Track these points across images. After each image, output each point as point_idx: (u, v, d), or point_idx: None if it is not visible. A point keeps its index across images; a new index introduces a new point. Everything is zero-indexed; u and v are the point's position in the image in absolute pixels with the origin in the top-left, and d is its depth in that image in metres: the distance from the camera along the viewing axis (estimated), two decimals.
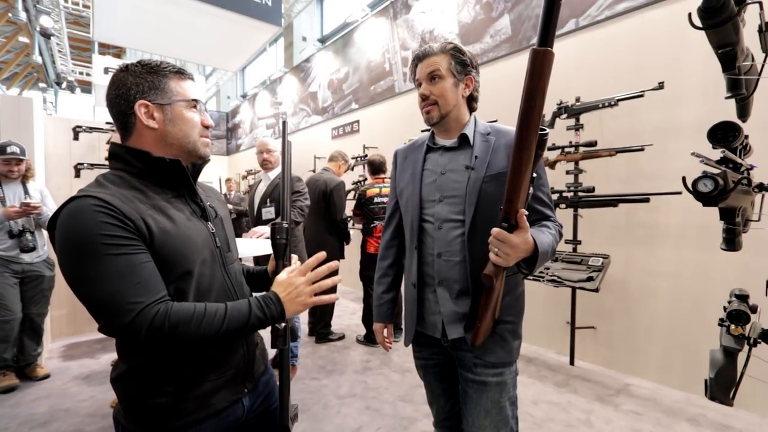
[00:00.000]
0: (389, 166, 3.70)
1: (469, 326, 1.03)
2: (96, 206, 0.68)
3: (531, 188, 0.86)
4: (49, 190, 3.40)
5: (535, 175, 0.86)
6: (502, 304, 1.01)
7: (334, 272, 0.88)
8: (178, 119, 0.81)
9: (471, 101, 1.13)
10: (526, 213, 0.86)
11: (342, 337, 3.50)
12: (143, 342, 0.68)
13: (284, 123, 1.03)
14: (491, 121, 1.24)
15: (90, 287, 0.68)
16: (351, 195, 4.79)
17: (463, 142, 1.10)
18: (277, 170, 2.65)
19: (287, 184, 0.98)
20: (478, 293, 0.99)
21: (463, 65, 1.08)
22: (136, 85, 0.78)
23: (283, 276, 0.84)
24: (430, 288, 1.12)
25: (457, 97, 1.09)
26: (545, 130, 0.83)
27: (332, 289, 0.91)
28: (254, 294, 0.90)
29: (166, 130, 0.80)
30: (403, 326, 3.43)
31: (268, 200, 2.61)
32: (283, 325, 0.87)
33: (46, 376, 2.66)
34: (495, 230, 0.87)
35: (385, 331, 1.32)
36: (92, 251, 0.67)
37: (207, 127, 0.87)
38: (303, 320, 3.65)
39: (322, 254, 0.87)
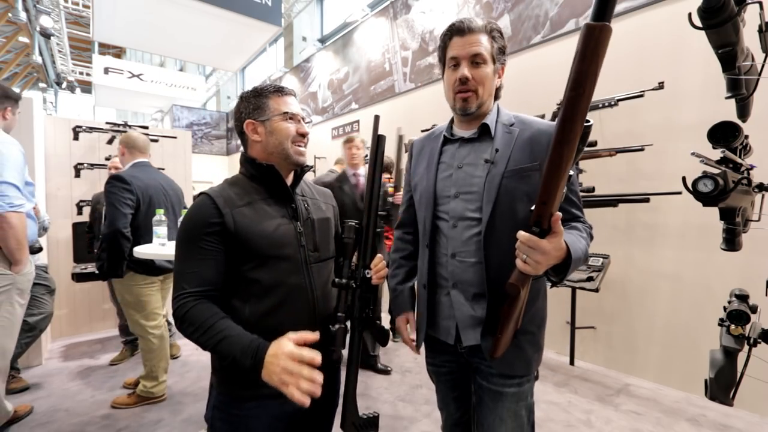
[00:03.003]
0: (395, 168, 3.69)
1: (486, 333, 0.94)
2: (207, 204, 0.89)
3: (565, 188, 0.76)
4: (49, 190, 3.41)
5: (572, 172, 0.76)
6: (524, 312, 0.91)
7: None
8: (275, 131, 0.96)
9: (497, 90, 1.03)
10: (560, 215, 0.76)
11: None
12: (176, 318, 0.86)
13: (377, 117, 1.04)
14: None
15: (175, 262, 0.90)
16: None
17: (484, 133, 1.00)
18: None
19: (378, 182, 0.99)
20: (495, 298, 0.91)
21: (502, 52, 0.97)
22: (245, 108, 0.97)
23: (286, 345, 0.79)
24: (443, 290, 1.04)
25: (493, 87, 0.98)
26: (589, 121, 0.73)
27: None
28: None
29: (267, 141, 0.96)
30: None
31: None
32: (337, 326, 0.91)
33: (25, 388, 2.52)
34: (524, 235, 0.76)
35: (408, 326, 1.17)
36: (188, 236, 0.89)
37: (303, 135, 0.99)
38: None
39: (317, 358, 0.78)
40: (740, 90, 1.02)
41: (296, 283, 0.94)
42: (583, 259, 0.86)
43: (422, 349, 1.19)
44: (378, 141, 0.98)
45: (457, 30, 0.97)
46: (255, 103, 0.97)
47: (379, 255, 1.01)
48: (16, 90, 2.32)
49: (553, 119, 2.78)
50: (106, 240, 2.05)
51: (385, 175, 3.47)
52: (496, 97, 1.04)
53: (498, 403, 0.99)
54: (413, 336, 1.16)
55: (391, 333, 3.73)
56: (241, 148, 1.04)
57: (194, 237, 0.87)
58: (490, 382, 1.00)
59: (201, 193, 0.93)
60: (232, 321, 0.85)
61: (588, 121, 0.73)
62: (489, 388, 1.00)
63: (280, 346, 0.80)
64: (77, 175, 3.57)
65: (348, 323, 0.96)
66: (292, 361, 0.77)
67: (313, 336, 0.82)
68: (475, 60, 0.94)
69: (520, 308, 0.85)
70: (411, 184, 1.16)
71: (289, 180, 1.01)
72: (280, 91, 0.98)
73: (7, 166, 1.70)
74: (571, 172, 0.94)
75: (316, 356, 0.79)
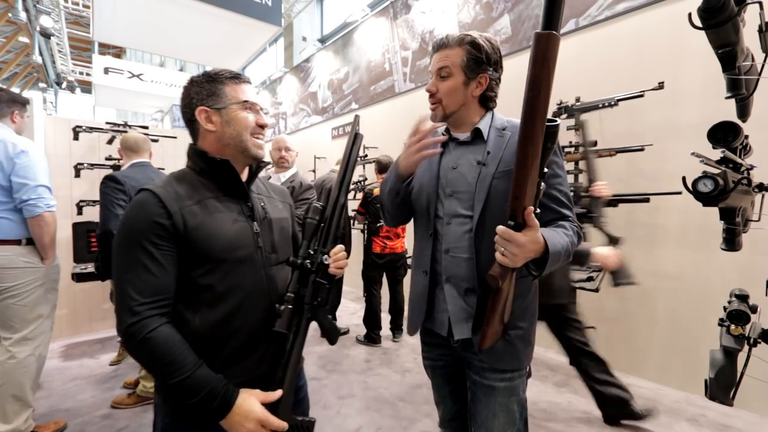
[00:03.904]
0: None
1: (476, 327, 0.98)
2: (152, 201, 0.79)
3: (543, 185, 0.82)
4: None
5: (547, 170, 0.80)
6: (513, 308, 0.97)
7: None
8: (232, 120, 0.88)
9: (486, 101, 1.06)
10: (537, 210, 0.81)
11: (347, 332, 3.57)
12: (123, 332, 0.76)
13: (356, 116, 1.06)
14: None
15: (116, 270, 0.79)
16: (352, 195, 4.80)
17: (477, 136, 1.05)
18: (289, 172, 2.53)
19: (350, 174, 0.99)
20: (485, 293, 0.95)
21: (478, 63, 1.00)
22: (197, 94, 0.88)
23: (259, 407, 0.80)
24: (437, 285, 1.09)
25: (465, 97, 1.03)
26: (555, 120, 0.78)
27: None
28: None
29: (222, 131, 0.88)
30: (404, 323, 3.43)
31: None
32: (284, 306, 0.86)
33: None
34: (500, 228, 0.82)
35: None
36: (132, 239, 0.78)
37: (262, 127, 0.92)
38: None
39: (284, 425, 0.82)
40: (740, 90, 1.02)
41: (253, 288, 0.87)
42: (565, 255, 0.90)
43: (417, 349, 1.20)
44: (355, 138, 1.01)
45: (434, 47, 1.05)
46: (209, 88, 0.88)
47: (340, 245, 0.99)
48: (16, 90, 2.33)
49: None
50: (99, 241, 2.08)
51: (384, 176, 3.47)
52: (487, 106, 1.07)
53: (490, 397, 1.02)
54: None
55: (391, 333, 3.68)
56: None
57: (140, 239, 0.77)
58: (482, 377, 1.04)
59: (142, 190, 0.83)
60: (193, 352, 0.78)
61: (554, 121, 0.78)
62: (481, 382, 1.04)
63: (252, 407, 0.78)
64: (77, 175, 3.57)
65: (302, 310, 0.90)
66: (262, 428, 0.78)
67: (274, 396, 0.83)
68: (441, 73, 1.02)
69: (504, 301, 0.90)
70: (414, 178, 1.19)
71: (244, 176, 0.94)
72: (236, 77, 0.91)
73: (39, 169, 1.87)
74: (560, 172, 1.00)
75: (285, 428, 0.81)
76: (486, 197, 0.98)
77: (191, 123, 0.90)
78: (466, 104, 1.04)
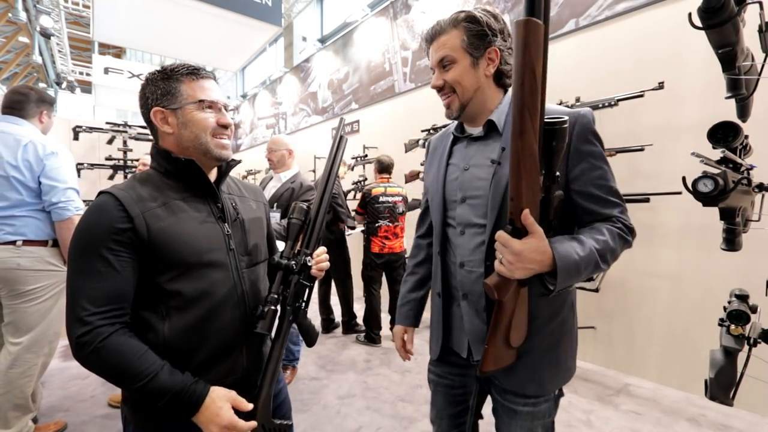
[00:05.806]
0: (394, 168, 3.69)
1: None
2: (111, 205, 0.75)
3: (560, 192, 0.73)
4: None
5: (581, 165, 0.72)
6: (533, 328, 0.85)
7: None
8: (189, 122, 0.82)
9: (501, 77, 0.92)
10: (555, 221, 0.72)
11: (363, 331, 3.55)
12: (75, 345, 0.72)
13: (341, 119, 1.03)
14: None
15: (69, 276, 0.74)
16: (351, 195, 4.80)
17: (491, 130, 0.91)
18: (290, 172, 2.52)
19: (334, 176, 0.97)
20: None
21: (481, 37, 0.87)
22: (152, 93, 0.82)
23: (228, 411, 0.76)
24: (455, 301, 0.98)
25: (477, 79, 0.89)
26: (563, 118, 0.69)
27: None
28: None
29: (180, 134, 0.82)
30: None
31: (275, 204, 2.43)
32: (268, 308, 0.84)
33: None
34: (498, 233, 0.72)
35: (405, 336, 1.15)
36: (88, 245, 0.74)
37: (225, 126, 0.85)
38: (316, 317, 3.66)
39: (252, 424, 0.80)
40: (740, 90, 1.02)
41: (226, 292, 0.83)
42: (587, 265, 0.75)
43: (418, 349, 1.16)
44: (339, 141, 0.98)
45: (426, 39, 0.95)
46: (164, 87, 0.81)
47: (323, 248, 0.98)
48: None
49: None
50: None
51: (385, 175, 3.47)
52: (503, 85, 0.93)
53: (512, 420, 0.94)
54: (409, 346, 1.17)
55: (391, 333, 3.67)
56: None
57: (96, 246, 0.72)
58: (504, 399, 0.94)
59: (102, 192, 0.77)
60: (153, 353, 0.74)
61: (556, 119, 0.69)
62: (503, 404, 0.95)
63: (218, 411, 0.75)
64: (77, 175, 3.57)
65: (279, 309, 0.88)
66: (228, 427, 0.75)
67: (247, 406, 0.80)
68: (443, 63, 0.90)
69: (508, 318, 0.78)
70: (425, 186, 1.12)
71: (213, 175, 0.88)
72: (194, 73, 0.83)
73: (70, 172, 1.86)
74: (597, 164, 0.86)
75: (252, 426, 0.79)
76: (501, 202, 0.84)
77: (149, 124, 0.85)
78: (480, 87, 0.90)
